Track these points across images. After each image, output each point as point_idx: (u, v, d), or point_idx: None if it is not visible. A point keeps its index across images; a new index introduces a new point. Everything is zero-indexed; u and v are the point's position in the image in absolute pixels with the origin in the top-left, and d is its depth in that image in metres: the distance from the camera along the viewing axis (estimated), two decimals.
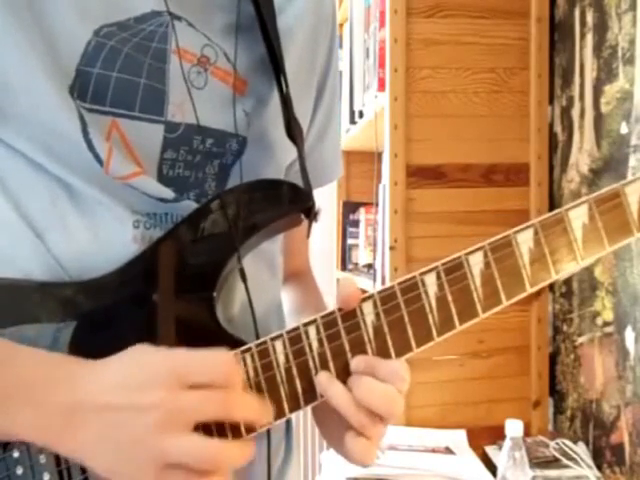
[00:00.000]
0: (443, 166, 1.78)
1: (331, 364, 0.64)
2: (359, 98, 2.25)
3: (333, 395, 0.63)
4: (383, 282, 1.85)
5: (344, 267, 2.65)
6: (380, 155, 1.92)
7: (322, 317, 0.64)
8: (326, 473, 1.59)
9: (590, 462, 1.55)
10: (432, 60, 1.77)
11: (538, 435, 1.75)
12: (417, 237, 1.76)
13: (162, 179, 0.69)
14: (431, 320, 0.65)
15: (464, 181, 1.78)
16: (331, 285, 2.45)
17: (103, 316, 0.64)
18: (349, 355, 0.64)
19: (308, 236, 0.79)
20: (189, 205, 0.69)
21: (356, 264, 2.57)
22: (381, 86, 1.84)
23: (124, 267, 0.65)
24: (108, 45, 0.67)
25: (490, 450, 1.66)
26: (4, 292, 0.64)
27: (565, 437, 1.67)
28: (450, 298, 0.65)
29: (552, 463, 1.56)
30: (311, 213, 0.71)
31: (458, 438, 1.67)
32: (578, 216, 0.68)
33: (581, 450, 1.59)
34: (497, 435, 1.59)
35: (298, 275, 0.95)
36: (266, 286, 0.78)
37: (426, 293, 0.66)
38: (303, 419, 2.70)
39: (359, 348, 0.64)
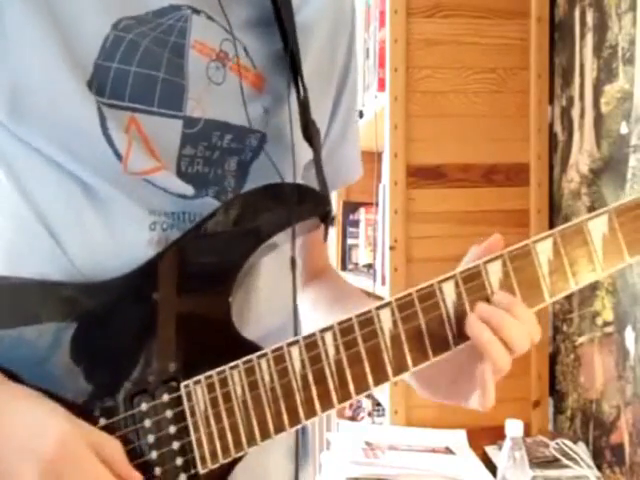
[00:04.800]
0: (443, 166, 1.78)
1: (348, 371, 0.63)
2: (359, 98, 2.25)
3: (479, 329, 0.64)
4: (383, 282, 1.85)
5: (344, 267, 2.65)
6: (380, 155, 1.92)
7: (339, 324, 0.64)
8: (326, 473, 1.59)
9: (590, 462, 1.55)
10: (432, 60, 1.76)
11: (538, 435, 1.75)
12: (417, 237, 1.76)
13: (181, 175, 0.69)
14: (448, 329, 0.65)
15: (464, 181, 1.78)
16: None
17: (106, 318, 0.63)
18: (366, 363, 0.63)
19: (325, 239, 0.78)
20: (208, 202, 0.68)
21: (356, 264, 2.57)
22: (381, 86, 1.84)
23: (136, 271, 0.65)
24: (127, 39, 0.66)
25: (490, 450, 1.66)
26: (5, 291, 0.63)
27: (565, 437, 1.66)
28: (468, 308, 0.65)
29: (552, 463, 1.55)
30: (328, 217, 0.70)
31: (458, 438, 1.67)
32: (597, 227, 0.66)
33: (581, 450, 1.59)
34: (497, 435, 1.59)
35: (322, 273, 0.94)
36: (285, 289, 0.77)
37: (444, 301, 0.65)
38: None
39: (376, 355, 0.64)
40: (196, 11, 0.70)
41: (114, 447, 0.59)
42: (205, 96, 0.69)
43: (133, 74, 0.66)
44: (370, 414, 2.14)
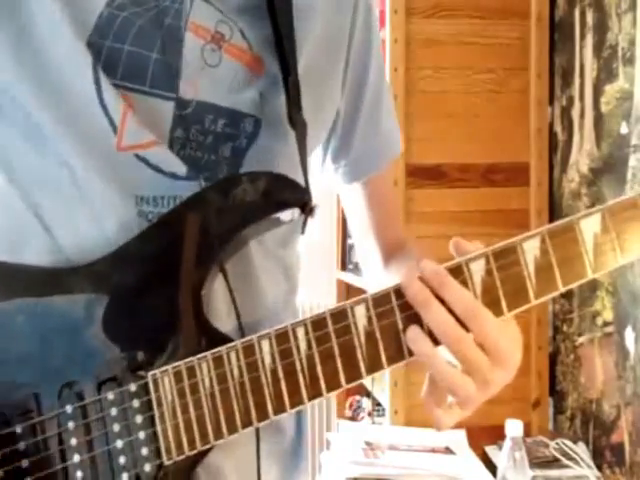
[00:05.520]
0: (443, 166, 1.78)
1: (319, 368, 0.61)
2: None
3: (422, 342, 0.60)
4: None
5: (344, 266, 2.65)
6: None
7: (311, 317, 0.62)
8: (326, 473, 1.59)
9: (590, 462, 1.55)
10: (432, 60, 1.77)
11: (538, 435, 1.75)
12: (417, 237, 1.76)
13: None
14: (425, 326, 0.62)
15: (464, 181, 1.78)
16: (331, 285, 2.45)
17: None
18: (338, 360, 0.61)
19: (303, 232, 0.76)
20: (200, 186, 0.67)
21: (357, 263, 2.56)
22: None
23: (107, 257, 0.64)
24: (121, 16, 0.66)
25: (490, 450, 1.66)
26: (35, 270, 0.64)
27: (565, 437, 1.66)
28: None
29: (552, 463, 1.55)
30: (306, 208, 0.68)
31: (458, 438, 1.67)
32: (590, 226, 0.62)
33: (581, 450, 1.59)
34: (497, 435, 1.59)
35: (399, 246, 0.89)
36: (271, 288, 0.76)
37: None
38: None
39: (349, 352, 0.61)
40: None
41: None
42: (199, 78, 0.68)
43: (126, 53, 0.66)
44: (370, 414, 2.14)
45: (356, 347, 0.61)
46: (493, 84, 1.78)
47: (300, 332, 0.62)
